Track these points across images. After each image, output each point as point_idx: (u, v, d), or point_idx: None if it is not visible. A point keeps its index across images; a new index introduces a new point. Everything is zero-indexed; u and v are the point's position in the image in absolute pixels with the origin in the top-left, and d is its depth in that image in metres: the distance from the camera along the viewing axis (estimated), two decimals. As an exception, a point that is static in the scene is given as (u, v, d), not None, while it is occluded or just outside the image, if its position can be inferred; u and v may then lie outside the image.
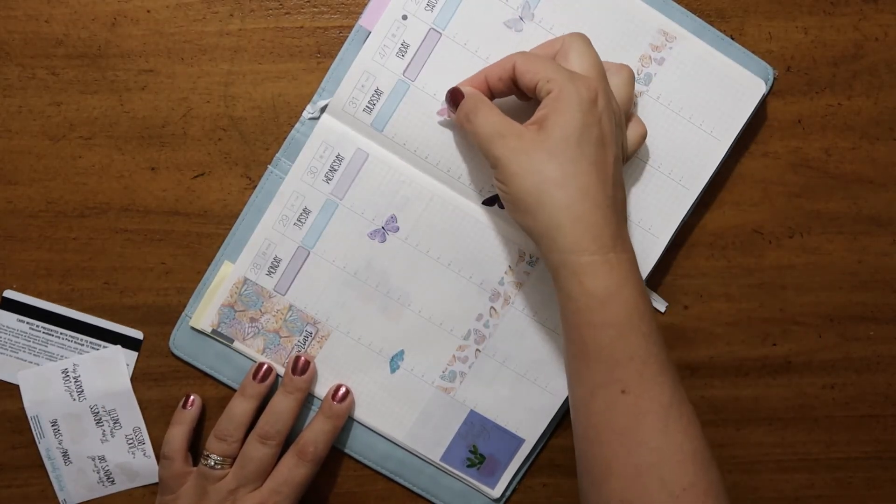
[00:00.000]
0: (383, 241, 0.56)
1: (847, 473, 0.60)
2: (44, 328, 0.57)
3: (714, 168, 0.55)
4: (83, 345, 0.57)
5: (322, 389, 0.57)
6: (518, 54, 0.50)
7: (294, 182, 0.55)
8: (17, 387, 0.58)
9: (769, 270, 0.58)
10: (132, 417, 0.58)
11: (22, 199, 0.56)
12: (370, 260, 0.56)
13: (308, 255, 0.56)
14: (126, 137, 0.56)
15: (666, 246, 0.56)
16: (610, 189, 0.46)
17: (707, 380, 0.59)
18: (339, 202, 0.55)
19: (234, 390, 0.57)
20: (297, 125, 0.55)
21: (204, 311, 0.56)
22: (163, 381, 0.58)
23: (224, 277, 0.56)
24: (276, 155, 0.56)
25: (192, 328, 0.56)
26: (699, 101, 0.55)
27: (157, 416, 0.58)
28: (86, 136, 0.56)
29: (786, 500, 0.60)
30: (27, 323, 0.57)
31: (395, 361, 0.57)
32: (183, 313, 0.57)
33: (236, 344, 0.56)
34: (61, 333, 0.57)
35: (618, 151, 0.48)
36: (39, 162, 0.56)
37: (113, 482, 0.58)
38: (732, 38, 0.56)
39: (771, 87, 0.55)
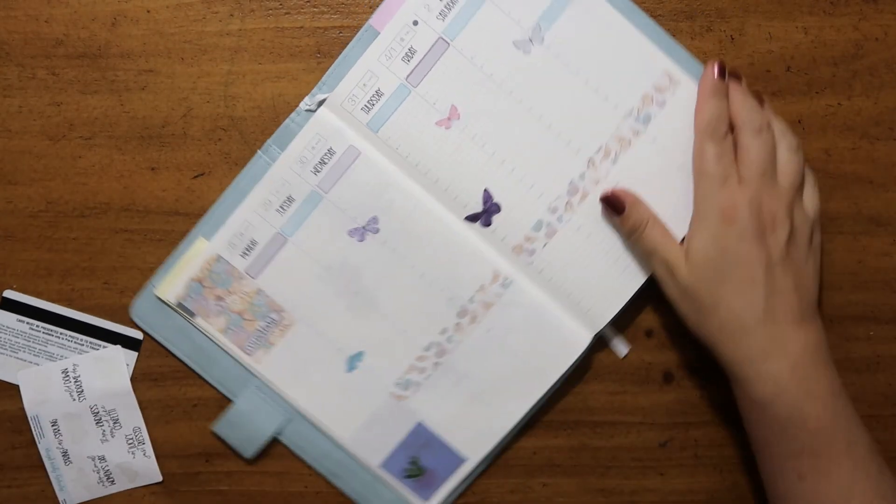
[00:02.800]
0: (362, 240, 0.56)
1: (847, 473, 0.60)
2: (44, 328, 0.57)
3: None
4: (83, 345, 0.57)
5: (276, 379, 0.57)
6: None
7: (282, 169, 0.55)
8: (16, 387, 0.58)
9: (769, 270, 0.58)
10: (132, 417, 0.58)
11: (22, 199, 0.56)
12: (346, 257, 0.56)
13: (285, 243, 0.56)
14: (126, 137, 0.56)
15: (639, 287, 0.56)
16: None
17: (707, 380, 0.59)
18: (325, 195, 0.55)
19: (188, 366, 0.57)
20: (293, 115, 0.55)
21: (172, 283, 0.56)
22: (163, 381, 0.58)
23: (198, 252, 0.56)
24: (268, 141, 0.56)
25: (157, 298, 0.56)
26: (693, 149, 0.55)
27: (157, 417, 0.58)
28: (86, 136, 0.56)
29: (786, 500, 0.60)
30: (27, 323, 0.57)
31: (353, 361, 0.57)
32: (149, 282, 0.57)
33: (198, 319, 0.56)
34: (61, 333, 0.57)
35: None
36: (39, 162, 0.56)
37: (113, 482, 0.58)
38: (732, 39, 0.56)
39: None
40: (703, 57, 0.56)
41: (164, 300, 0.56)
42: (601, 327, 0.56)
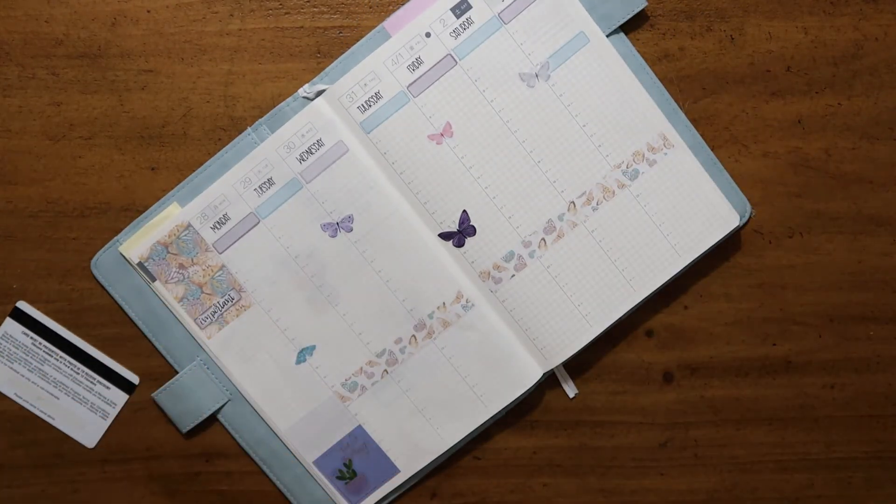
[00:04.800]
0: (334, 235, 0.56)
1: (847, 473, 0.60)
2: (45, 347, 0.57)
3: (664, 281, 0.56)
4: (78, 374, 0.57)
5: (223, 357, 0.57)
6: None
7: (268, 150, 0.55)
8: (17, 387, 0.58)
9: (769, 270, 0.58)
10: None
11: (22, 199, 0.56)
12: (314, 250, 0.56)
13: (257, 224, 0.56)
14: (126, 137, 0.56)
15: (595, 337, 0.57)
16: None
17: (707, 380, 0.59)
18: (305, 184, 0.55)
19: (138, 328, 0.57)
20: (289, 99, 0.55)
21: (137, 242, 0.56)
22: (164, 382, 0.58)
23: (169, 216, 0.56)
24: (259, 120, 0.56)
25: (121, 254, 0.56)
26: (674, 213, 0.56)
27: (157, 416, 0.58)
28: (86, 136, 0.56)
29: (786, 500, 0.60)
30: (31, 338, 0.57)
31: (303, 354, 0.57)
32: (115, 238, 0.56)
33: (157, 284, 0.56)
34: (60, 357, 0.57)
35: None
36: (39, 162, 0.56)
37: None
38: (732, 38, 0.56)
39: (745, 223, 0.56)
40: (704, 56, 0.56)
41: (127, 258, 0.56)
42: (553, 366, 0.57)
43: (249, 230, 0.56)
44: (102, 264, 0.56)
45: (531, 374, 0.57)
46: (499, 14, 0.54)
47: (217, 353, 0.57)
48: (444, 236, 0.56)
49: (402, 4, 0.55)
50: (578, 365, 0.59)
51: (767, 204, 0.58)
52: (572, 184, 0.56)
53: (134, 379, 0.58)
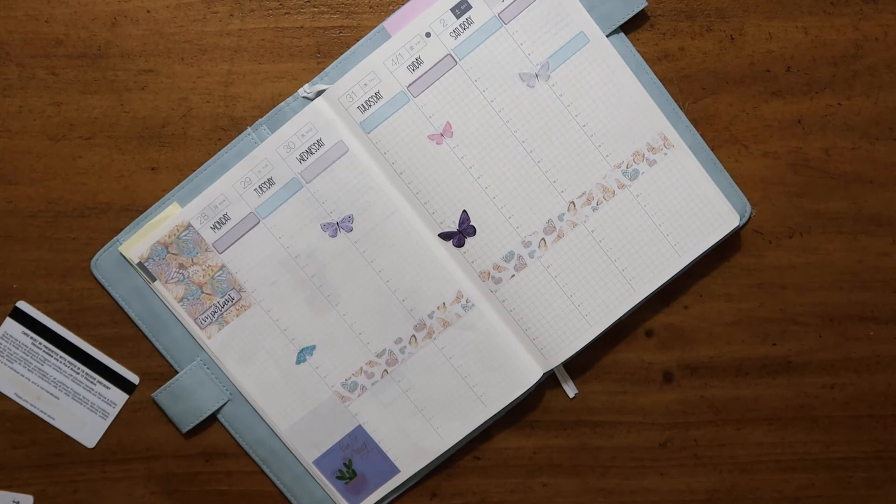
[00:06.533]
0: (334, 235, 0.56)
1: (847, 473, 0.60)
2: (45, 347, 0.57)
3: (664, 281, 0.56)
4: (79, 374, 0.57)
5: (223, 357, 0.57)
6: None
7: (268, 150, 0.55)
8: (17, 387, 0.58)
9: (769, 270, 0.58)
10: None
11: (22, 199, 0.57)
12: (315, 250, 0.56)
13: (257, 224, 0.56)
14: (126, 137, 0.56)
15: (595, 337, 0.57)
16: None
17: (707, 380, 0.59)
18: (305, 184, 0.55)
19: (138, 328, 0.57)
20: (289, 99, 0.55)
21: (137, 242, 0.56)
22: (163, 382, 0.58)
23: (169, 216, 0.56)
24: (259, 120, 0.56)
25: (121, 254, 0.56)
26: (673, 213, 0.56)
27: (157, 416, 0.58)
28: (86, 136, 0.56)
29: (786, 500, 0.60)
30: (30, 338, 0.57)
31: (303, 354, 0.57)
32: (115, 238, 0.56)
33: (157, 284, 0.56)
34: (60, 357, 0.57)
35: None
36: (39, 162, 0.56)
37: None
38: (732, 38, 0.56)
39: (745, 223, 0.56)
40: (704, 57, 0.56)
41: (127, 258, 0.56)
42: (553, 366, 0.57)
43: (249, 230, 0.56)
44: (102, 264, 0.56)
45: (531, 374, 0.57)
46: (499, 14, 0.54)
47: (217, 353, 0.57)
48: (444, 236, 0.56)
49: (402, 4, 0.55)
50: (578, 365, 0.59)
51: (767, 204, 0.58)
52: (572, 184, 0.56)
53: (134, 379, 0.58)
